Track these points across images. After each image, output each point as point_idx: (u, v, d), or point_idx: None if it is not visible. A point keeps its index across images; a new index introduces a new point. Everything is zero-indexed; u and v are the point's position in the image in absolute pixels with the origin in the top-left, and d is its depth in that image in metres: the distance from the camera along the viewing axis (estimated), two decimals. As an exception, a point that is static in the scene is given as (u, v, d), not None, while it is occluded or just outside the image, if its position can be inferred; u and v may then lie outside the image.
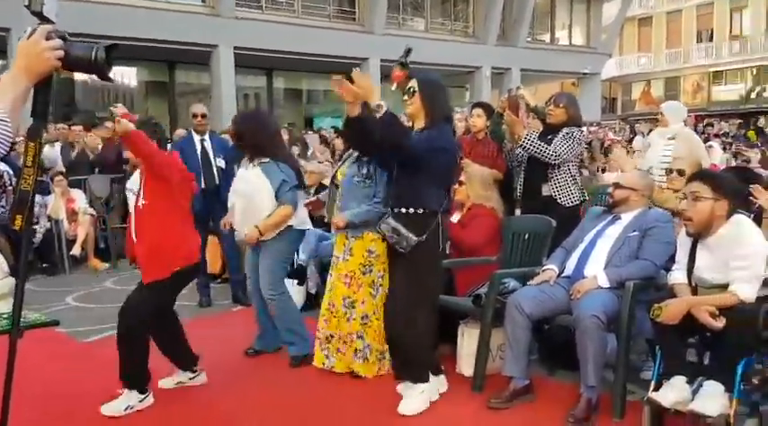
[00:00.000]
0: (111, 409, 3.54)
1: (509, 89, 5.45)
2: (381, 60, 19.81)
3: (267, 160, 4.24)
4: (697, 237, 3.14)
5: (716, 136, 12.39)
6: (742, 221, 3.09)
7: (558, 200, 4.63)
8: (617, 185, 3.91)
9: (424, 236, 3.42)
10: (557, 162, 4.55)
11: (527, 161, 4.75)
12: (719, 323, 2.88)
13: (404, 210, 3.47)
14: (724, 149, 10.10)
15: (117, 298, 4.08)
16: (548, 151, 4.54)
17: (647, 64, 35.81)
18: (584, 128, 6.82)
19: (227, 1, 17.12)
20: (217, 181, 5.88)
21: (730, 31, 32.89)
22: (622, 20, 27.11)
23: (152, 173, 3.58)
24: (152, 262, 3.58)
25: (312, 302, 5.56)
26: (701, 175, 3.24)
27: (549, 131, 4.75)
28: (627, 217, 3.82)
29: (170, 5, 16.58)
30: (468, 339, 4.10)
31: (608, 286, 3.55)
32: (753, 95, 31.65)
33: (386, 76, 19.46)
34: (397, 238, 3.43)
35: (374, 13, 19.81)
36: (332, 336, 4.11)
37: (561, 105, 4.73)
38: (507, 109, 4.84)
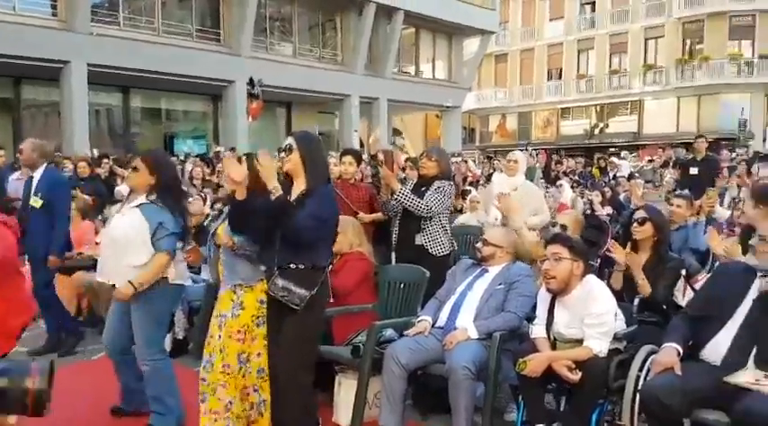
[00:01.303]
0: None
1: (392, 145, 5.70)
2: (250, 78, 19.65)
3: (148, 201, 3.91)
4: (555, 295, 3.46)
5: (565, 174, 13.40)
6: (593, 281, 3.45)
7: (430, 250, 4.88)
8: (485, 242, 4.20)
9: (315, 291, 3.49)
10: (428, 215, 4.80)
11: (402, 212, 4.96)
12: (576, 376, 3.19)
13: (293, 266, 3.51)
14: (572, 188, 10.94)
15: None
16: (420, 205, 4.78)
17: (503, 98, 38.09)
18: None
19: (82, 16, 16.29)
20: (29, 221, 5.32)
21: (577, 71, 35.76)
22: (481, 56, 28.68)
23: None
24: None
25: (180, 349, 5.44)
26: (560, 238, 3.58)
27: (422, 183, 5.00)
28: (494, 271, 4.11)
29: (17, 17, 15.57)
30: (345, 388, 4.20)
31: (477, 337, 3.81)
32: (596, 131, 34.52)
33: (250, 95, 19.37)
34: (288, 296, 3.47)
35: (240, 34, 19.54)
36: (231, 402, 3.81)
37: (433, 159, 5.01)
38: (383, 163, 5.07)
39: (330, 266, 3.80)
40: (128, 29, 18.02)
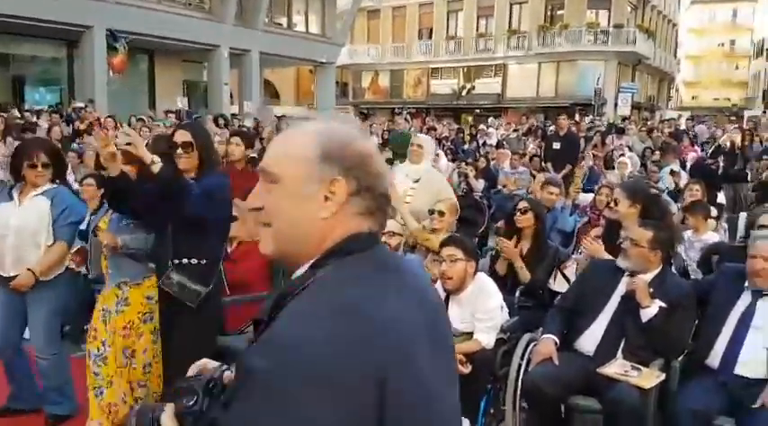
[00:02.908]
0: None
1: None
2: (108, 30, 18.43)
3: (52, 186, 3.79)
4: (449, 293, 3.70)
5: (438, 141, 13.81)
6: (483, 279, 3.73)
7: None
8: (384, 233, 4.33)
9: (210, 286, 3.46)
10: None
11: None
12: (466, 369, 3.46)
13: (185, 262, 3.42)
14: (447, 156, 11.33)
15: None
16: None
17: (375, 55, 38.19)
18: None
19: None
20: None
21: (447, 32, 36.48)
22: (355, 11, 28.52)
23: None
24: None
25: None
26: (454, 240, 3.80)
27: None
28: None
29: None
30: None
31: None
32: (464, 92, 35.61)
33: (113, 48, 18.20)
34: (183, 293, 3.40)
35: (99, -24, 18.15)
36: (125, 395, 3.77)
37: None
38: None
39: (227, 255, 3.78)
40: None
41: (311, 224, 1.18)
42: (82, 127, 12.28)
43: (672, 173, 8.63)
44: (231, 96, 24.33)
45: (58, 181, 3.88)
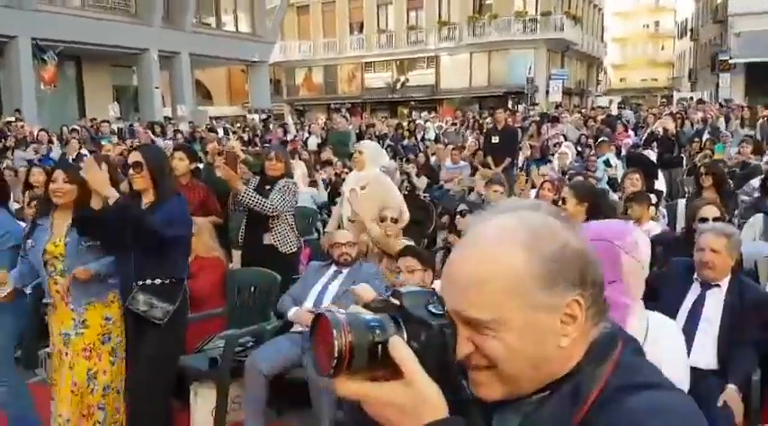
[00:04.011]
0: None
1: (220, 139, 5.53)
2: (33, 39, 17.78)
3: None
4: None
5: (377, 137, 13.85)
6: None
7: (279, 249, 4.91)
8: (344, 244, 4.29)
9: (177, 304, 3.55)
10: (274, 214, 4.81)
11: (248, 212, 4.91)
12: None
13: (149, 282, 3.50)
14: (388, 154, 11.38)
15: None
16: (266, 204, 4.77)
17: (307, 51, 37.90)
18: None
19: None
20: None
21: (378, 25, 36.51)
22: (285, 7, 28.24)
23: None
24: None
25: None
26: (411, 251, 3.82)
27: (265, 182, 4.98)
28: (345, 271, 4.28)
29: None
30: (201, 399, 4.18)
31: None
32: (398, 86, 35.75)
33: (41, 60, 17.57)
34: (150, 311, 3.46)
35: (14, -13, 17.48)
36: (69, 421, 3.70)
37: (282, 159, 4.98)
38: (223, 164, 4.95)
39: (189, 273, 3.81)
40: None
41: (551, 358, 0.94)
42: (11, 143, 11.83)
43: (607, 163, 8.88)
44: (163, 99, 23.80)
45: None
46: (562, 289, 0.92)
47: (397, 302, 0.92)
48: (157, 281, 3.51)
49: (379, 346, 0.87)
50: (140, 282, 3.50)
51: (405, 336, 0.89)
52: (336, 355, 0.83)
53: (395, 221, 4.84)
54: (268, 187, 4.93)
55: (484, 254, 0.94)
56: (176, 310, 3.55)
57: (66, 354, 3.72)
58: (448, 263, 0.99)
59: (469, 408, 0.96)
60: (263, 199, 4.80)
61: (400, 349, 0.86)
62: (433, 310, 0.91)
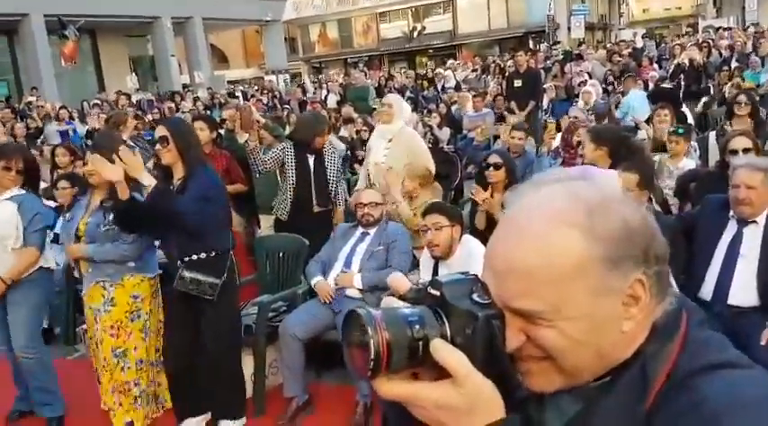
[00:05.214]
0: None
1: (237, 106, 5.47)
2: (45, 15, 17.77)
3: (20, 192, 3.83)
4: (438, 259, 3.68)
5: (398, 90, 13.65)
6: (471, 242, 3.70)
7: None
8: (367, 204, 4.24)
9: (225, 276, 3.56)
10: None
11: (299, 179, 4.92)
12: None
13: (194, 258, 3.52)
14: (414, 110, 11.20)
15: None
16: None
17: (320, 5, 37.23)
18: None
19: None
20: None
21: (389, -27, 35.61)
22: (294, -38, 27.76)
23: None
24: None
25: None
26: (436, 207, 3.75)
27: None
28: (372, 232, 4.24)
29: None
30: (240, 365, 4.24)
31: (361, 287, 4.01)
32: (415, 34, 35.06)
33: (63, 36, 17.56)
34: (199, 288, 3.49)
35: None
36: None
37: None
38: (241, 122, 4.93)
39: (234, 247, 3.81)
40: None
41: (614, 344, 0.87)
42: (36, 124, 11.93)
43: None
44: (180, 67, 23.73)
45: (26, 188, 3.92)
46: (625, 270, 0.84)
47: (436, 292, 0.84)
48: (202, 255, 3.52)
49: (420, 343, 0.80)
50: (185, 259, 3.52)
51: (448, 331, 0.82)
52: (373, 356, 0.77)
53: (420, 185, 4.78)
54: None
55: (533, 239, 0.84)
56: (225, 282, 3.56)
57: (96, 329, 3.87)
58: (490, 247, 0.90)
59: (525, 402, 0.90)
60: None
61: (444, 350, 0.79)
62: (478, 299, 0.84)
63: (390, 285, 3.60)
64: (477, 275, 0.88)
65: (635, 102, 8.34)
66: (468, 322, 0.82)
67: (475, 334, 0.82)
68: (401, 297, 0.86)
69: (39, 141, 10.68)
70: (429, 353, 0.80)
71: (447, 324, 0.82)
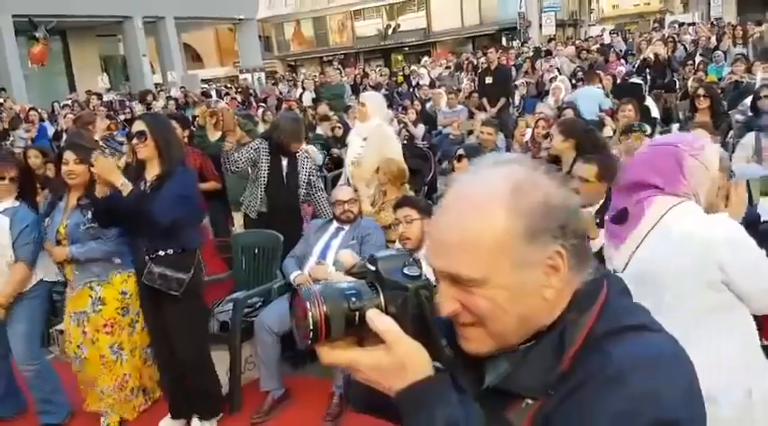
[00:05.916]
0: None
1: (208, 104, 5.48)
2: (14, 16, 17.55)
3: (14, 204, 3.79)
4: (411, 252, 3.77)
5: (372, 88, 13.67)
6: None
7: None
8: (346, 201, 4.32)
9: (192, 272, 3.56)
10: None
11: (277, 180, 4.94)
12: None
13: (161, 254, 3.51)
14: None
15: None
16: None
17: (294, 4, 37.14)
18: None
19: None
20: None
21: (363, -29, 35.62)
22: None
23: None
24: None
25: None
26: (407, 201, 3.83)
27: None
28: (347, 227, 4.31)
29: None
30: (215, 361, 4.26)
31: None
32: (390, 32, 35.12)
33: (32, 38, 17.34)
34: (166, 283, 3.49)
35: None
36: (103, 392, 3.94)
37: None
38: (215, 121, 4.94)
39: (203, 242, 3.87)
40: None
41: (537, 311, 0.97)
42: (5, 126, 11.78)
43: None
44: (152, 66, 23.54)
45: (21, 199, 3.85)
46: (543, 242, 0.94)
47: (372, 267, 0.96)
48: (170, 251, 3.51)
49: (357, 313, 0.91)
50: (153, 255, 3.50)
51: (382, 301, 0.93)
52: (312, 327, 0.87)
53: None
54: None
55: (466, 215, 0.95)
56: (192, 280, 3.55)
57: (85, 332, 3.85)
58: (433, 222, 1.02)
59: (454, 365, 1.00)
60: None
61: (377, 319, 0.91)
62: (409, 272, 0.95)
63: (339, 260, 3.66)
64: (409, 251, 1.01)
65: (581, 100, 8.08)
66: (399, 293, 0.93)
67: (405, 304, 0.93)
68: (348, 272, 0.96)
69: (8, 143, 10.56)
70: (367, 323, 0.90)
71: (381, 296, 0.93)
